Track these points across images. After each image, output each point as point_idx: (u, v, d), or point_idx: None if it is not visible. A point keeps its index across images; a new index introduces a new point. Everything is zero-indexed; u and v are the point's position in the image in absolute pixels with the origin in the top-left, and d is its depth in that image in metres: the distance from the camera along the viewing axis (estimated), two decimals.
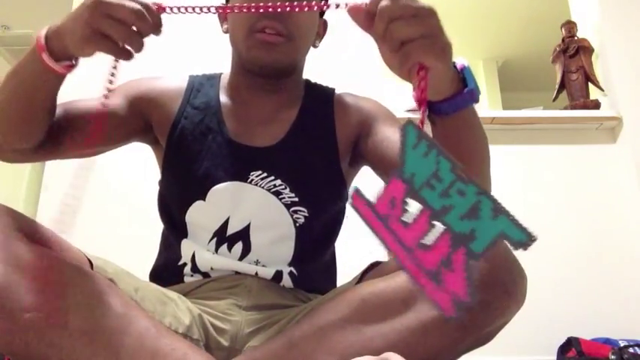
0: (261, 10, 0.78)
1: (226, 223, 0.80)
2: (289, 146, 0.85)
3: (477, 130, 0.65)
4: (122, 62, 0.59)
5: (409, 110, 2.01)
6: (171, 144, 0.86)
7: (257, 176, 0.82)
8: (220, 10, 0.61)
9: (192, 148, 0.85)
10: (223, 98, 0.90)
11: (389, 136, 0.81)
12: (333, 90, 0.95)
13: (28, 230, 0.59)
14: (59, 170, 1.99)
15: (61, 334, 0.53)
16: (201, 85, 0.92)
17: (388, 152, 0.79)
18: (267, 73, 0.85)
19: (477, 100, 0.58)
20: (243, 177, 0.82)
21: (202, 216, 0.81)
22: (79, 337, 0.53)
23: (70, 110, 0.78)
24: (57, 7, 3.49)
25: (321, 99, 0.92)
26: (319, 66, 1.03)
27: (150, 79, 0.91)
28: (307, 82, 0.96)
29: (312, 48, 0.91)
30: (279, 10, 0.74)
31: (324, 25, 0.94)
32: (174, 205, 0.84)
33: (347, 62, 2.22)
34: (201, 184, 0.82)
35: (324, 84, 0.98)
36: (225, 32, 0.89)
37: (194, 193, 0.81)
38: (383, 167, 0.82)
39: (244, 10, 0.60)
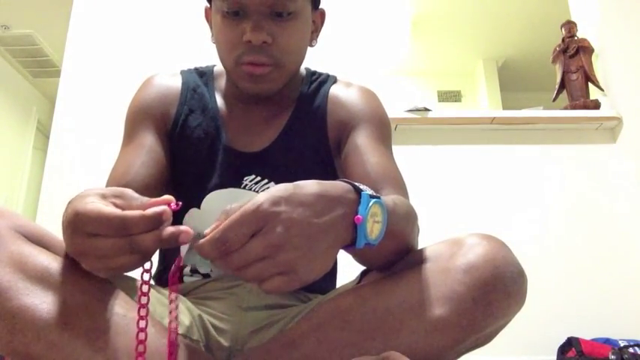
0: (245, 42, 0.74)
1: None
2: (281, 148, 0.84)
3: (392, 238, 0.59)
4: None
5: (410, 110, 2.02)
6: (170, 148, 0.85)
7: (250, 181, 0.82)
8: None
9: (189, 154, 0.84)
10: (220, 101, 0.89)
11: (356, 148, 0.80)
12: (333, 82, 0.92)
13: (27, 231, 0.59)
14: (59, 170, 1.99)
15: (61, 334, 0.53)
16: (196, 84, 0.90)
17: (349, 167, 0.79)
18: (257, 98, 0.84)
19: (371, 247, 0.53)
20: (237, 183, 0.82)
21: (198, 223, 0.80)
22: (79, 338, 0.53)
23: None
24: (57, 7, 3.50)
25: (317, 95, 0.90)
26: (321, 64, 1.03)
27: (144, 92, 0.88)
28: (307, 75, 0.93)
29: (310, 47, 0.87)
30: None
31: (321, 17, 0.89)
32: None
33: (349, 60, 2.22)
34: (195, 193, 0.82)
35: (327, 72, 0.95)
36: (214, 42, 0.86)
37: (189, 201, 0.81)
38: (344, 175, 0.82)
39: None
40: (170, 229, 0.47)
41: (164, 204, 0.48)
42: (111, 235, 0.46)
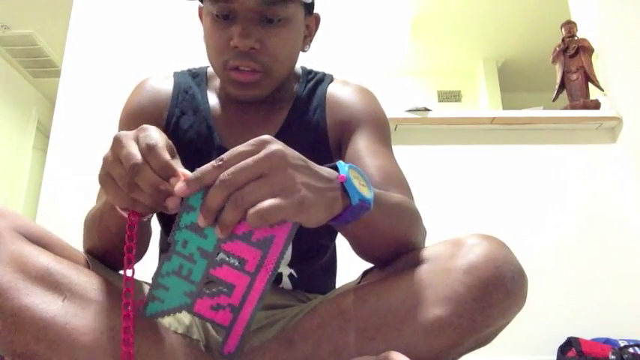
0: (232, 47, 0.73)
1: None
2: None
3: (386, 219, 0.61)
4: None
5: (410, 110, 2.02)
6: None
7: None
8: None
9: (182, 157, 0.83)
10: (212, 101, 0.88)
11: (358, 151, 0.80)
12: (330, 81, 0.91)
13: (27, 231, 0.59)
14: (59, 170, 1.99)
15: (61, 334, 0.53)
16: (188, 86, 0.89)
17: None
18: (246, 103, 0.84)
19: (368, 209, 0.53)
20: None
21: None
22: (79, 338, 0.53)
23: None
24: (57, 7, 3.50)
25: (314, 95, 0.89)
26: (321, 64, 1.03)
27: (136, 97, 0.87)
28: (302, 74, 0.92)
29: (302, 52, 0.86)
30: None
31: (315, 22, 0.87)
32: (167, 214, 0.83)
33: (350, 60, 2.22)
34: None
35: (323, 71, 0.94)
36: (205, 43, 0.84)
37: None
38: None
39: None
40: (168, 186, 0.49)
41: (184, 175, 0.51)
42: (140, 147, 0.49)
